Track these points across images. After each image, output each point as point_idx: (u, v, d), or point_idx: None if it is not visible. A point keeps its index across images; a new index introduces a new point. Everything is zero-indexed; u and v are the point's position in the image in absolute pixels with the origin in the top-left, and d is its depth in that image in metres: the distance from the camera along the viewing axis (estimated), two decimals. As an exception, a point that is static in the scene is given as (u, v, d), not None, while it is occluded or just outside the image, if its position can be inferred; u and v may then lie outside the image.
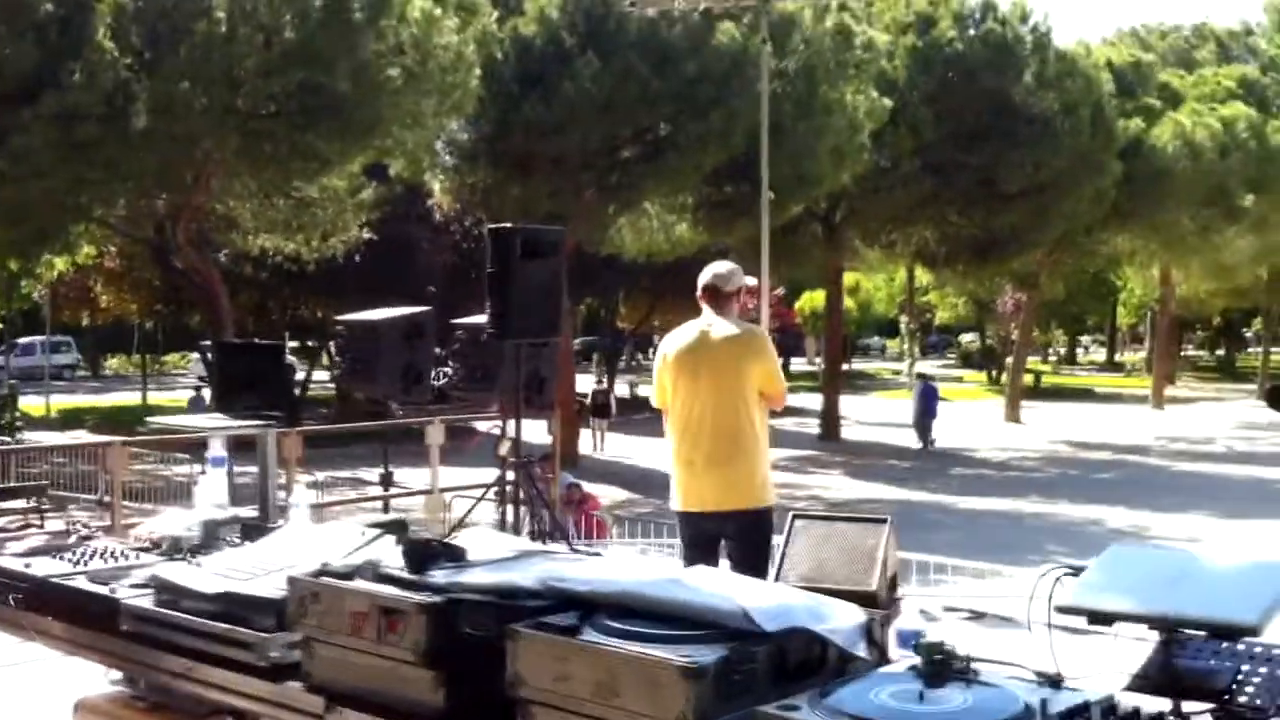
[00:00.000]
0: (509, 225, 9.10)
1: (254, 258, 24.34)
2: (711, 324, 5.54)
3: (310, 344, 35.52)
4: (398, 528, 3.70)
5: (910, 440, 30.01)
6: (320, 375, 36.35)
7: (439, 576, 2.89)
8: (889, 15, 28.73)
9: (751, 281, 5.97)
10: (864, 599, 3.49)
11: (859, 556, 5.97)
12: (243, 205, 20.44)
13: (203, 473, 4.53)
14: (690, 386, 5.48)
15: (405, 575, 2.92)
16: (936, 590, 8.21)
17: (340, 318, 7.92)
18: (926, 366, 42.11)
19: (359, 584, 2.92)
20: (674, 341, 5.66)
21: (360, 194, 21.63)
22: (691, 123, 21.40)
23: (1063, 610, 2.50)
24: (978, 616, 3.38)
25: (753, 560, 5.26)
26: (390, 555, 3.13)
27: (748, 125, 20.23)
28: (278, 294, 30.47)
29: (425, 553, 3.02)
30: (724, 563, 5.52)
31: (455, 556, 3.07)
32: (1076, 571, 2.59)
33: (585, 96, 20.31)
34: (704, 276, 5.68)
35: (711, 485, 5.43)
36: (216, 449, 4.44)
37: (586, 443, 26.32)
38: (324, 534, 3.60)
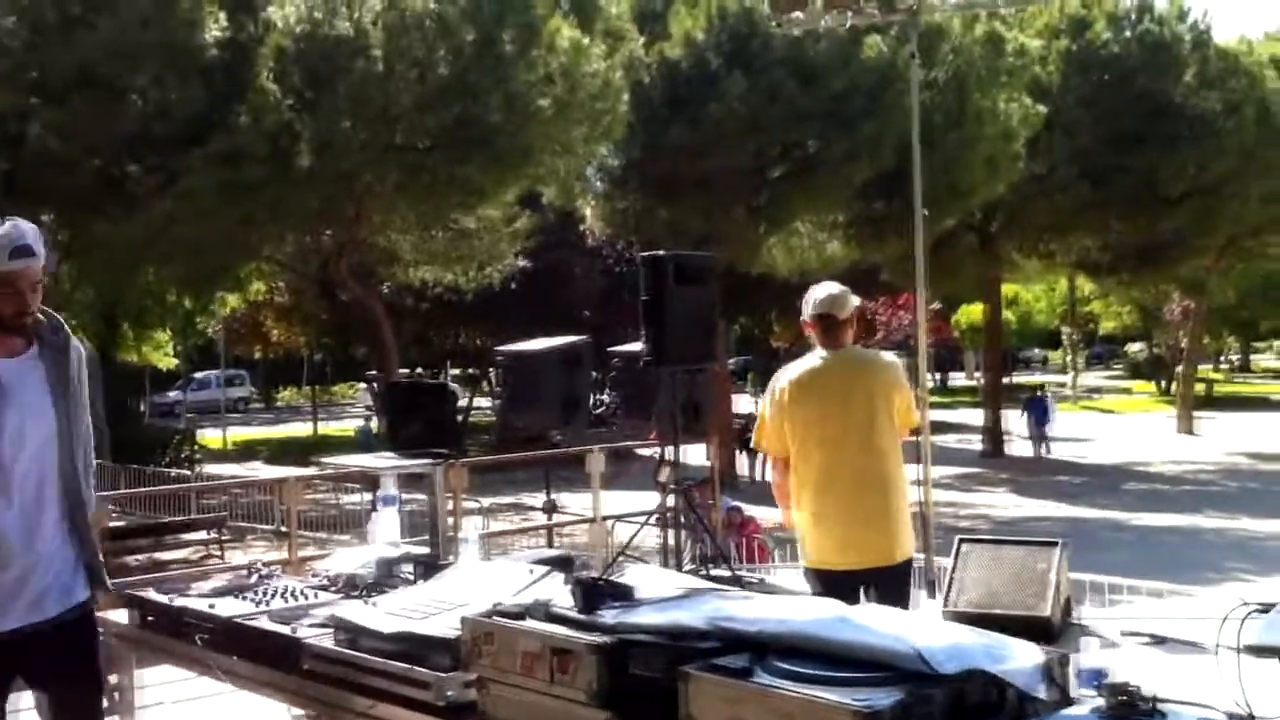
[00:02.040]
0: (661, 252, 9.12)
1: (415, 289, 24.96)
2: (836, 353, 4.96)
3: (471, 372, 36.22)
4: (564, 565, 3.75)
5: (1076, 454, 29.27)
6: (481, 402, 37.00)
7: (608, 616, 2.92)
8: (1041, 20, 28.11)
9: (857, 301, 5.30)
10: (1036, 625, 3.40)
11: (1030, 580, 5.77)
12: (403, 238, 20.99)
13: (374, 509, 4.65)
14: (824, 428, 4.88)
15: (575, 615, 2.95)
16: (1113, 612, 7.93)
17: (501, 348, 8.03)
18: (1091, 378, 40.98)
19: (531, 624, 2.96)
20: (794, 376, 5.01)
21: (515, 223, 22.03)
22: (840, 138, 21.28)
23: (1253, 650, 2.40)
24: (1159, 641, 3.26)
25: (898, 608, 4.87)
26: (559, 593, 3.17)
27: (897, 139, 20.01)
28: (438, 323, 31.18)
29: (594, 592, 3.05)
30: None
31: (623, 595, 3.09)
32: (1268, 608, 2.49)
33: (732, 116, 20.35)
34: (814, 304, 5.03)
35: (866, 542, 4.86)
36: (388, 487, 4.54)
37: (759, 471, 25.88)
38: (493, 572, 3.66)
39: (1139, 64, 27.10)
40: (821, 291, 5.08)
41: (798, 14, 13.09)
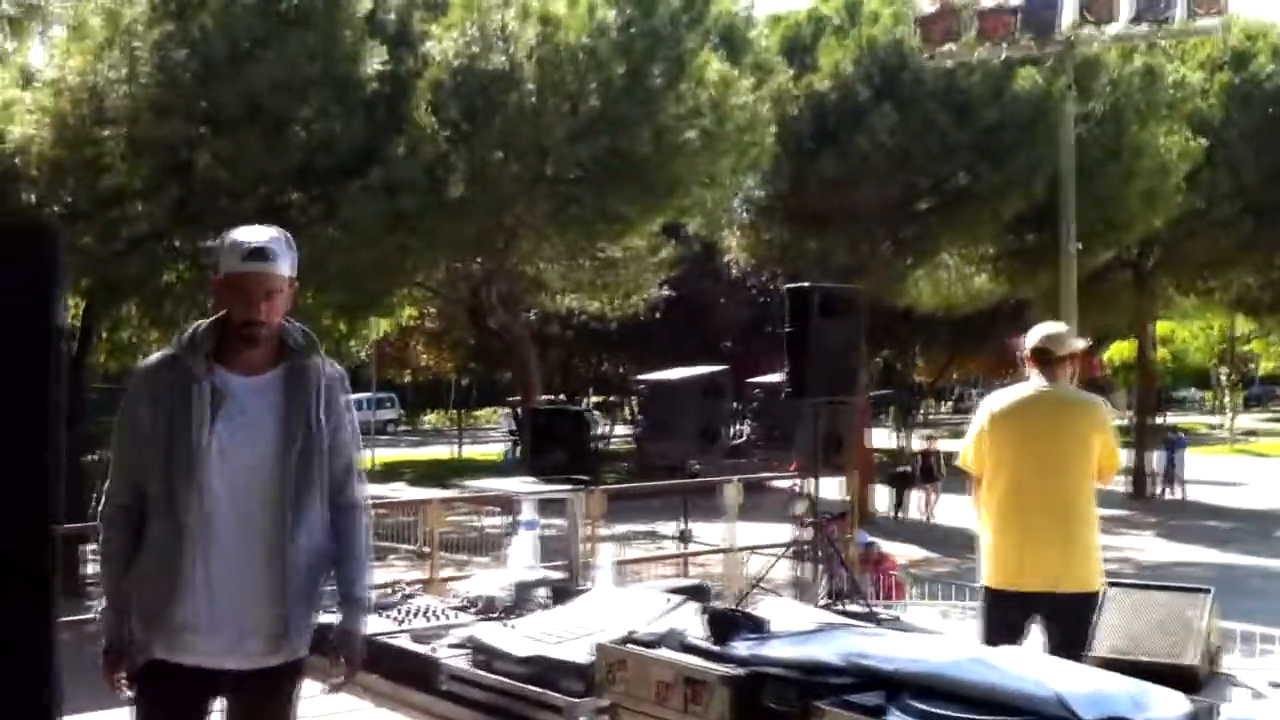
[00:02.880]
0: (806, 284, 9.14)
1: (560, 317, 25.27)
2: (1045, 388, 5.16)
3: (612, 399, 36.50)
4: (699, 594, 3.77)
5: (1228, 499, 28.21)
6: (620, 430, 37.22)
7: (741, 648, 2.93)
8: (1202, 52, 27.31)
9: (1082, 344, 5.53)
10: (1182, 674, 3.31)
11: (1176, 628, 5.60)
12: (550, 266, 21.27)
13: (513, 533, 4.73)
14: (1019, 453, 5.10)
15: (708, 646, 2.97)
16: (1262, 663, 7.64)
17: (641, 377, 8.15)
18: (1247, 420, 39.49)
19: (664, 653, 2.98)
20: (1001, 402, 5.28)
21: (660, 253, 22.15)
22: (990, 172, 20.94)
23: None
24: (1310, 694, 3.14)
25: (1075, 647, 4.84)
26: (692, 623, 3.19)
27: (1049, 172, 19.61)
28: (582, 351, 31.52)
29: (728, 623, 3.06)
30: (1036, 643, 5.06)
31: (757, 627, 3.10)
32: None
33: (881, 149, 20.20)
34: (1033, 339, 5.27)
35: (1040, 563, 4.99)
36: (528, 513, 4.63)
37: (913, 507, 25.37)
38: (628, 599, 3.69)
39: (1304, 97, 26.13)
40: (1044, 329, 5.33)
41: (950, 46, 12.96)
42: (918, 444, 40.05)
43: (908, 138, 20.32)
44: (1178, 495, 29.24)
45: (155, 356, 3.31)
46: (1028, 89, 20.88)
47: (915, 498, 25.39)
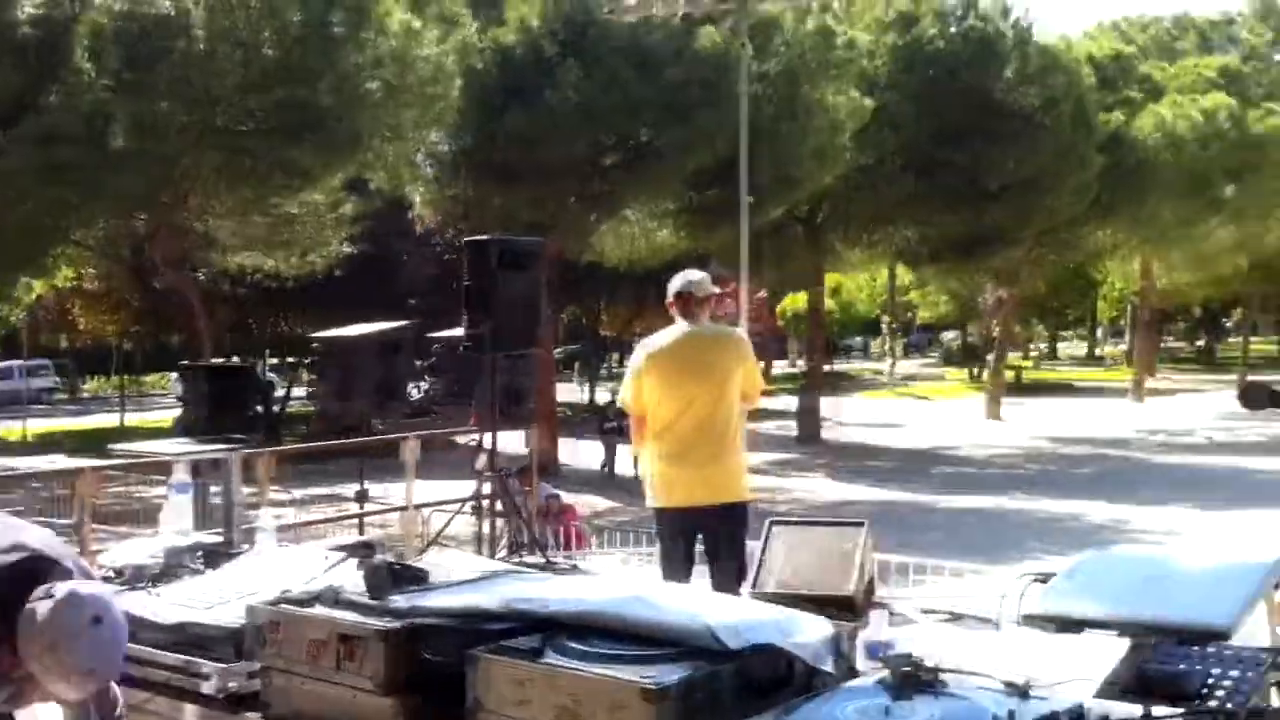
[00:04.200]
0: (486, 237, 9.05)
1: (233, 275, 24.23)
2: (691, 329, 5.67)
3: (291, 360, 35.39)
4: (363, 550, 3.64)
5: (890, 439, 30.05)
6: (301, 392, 36.16)
7: (400, 601, 2.84)
8: (870, 14, 28.73)
9: (715, 289, 6.07)
10: (841, 603, 3.45)
11: (835, 561, 5.91)
12: (221, 223, 20.34)
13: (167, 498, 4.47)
14: (674, 389, 5.60)
15: (365, 600, 2.87)
16: (916, 592, 8.15)
17: (316, 334, 7.83)
18: (908, 365, 42.04)
19: (317, 611, 2.86)
20: (654, 346, 5.76)
21: (341, 209, 21.54)
22: (674, 128, 21.32)
23: (1031, 619, 2.45)
24: (955, 618, 3.33)
25: (732, 550, 5.47)
26: (352, 580, 3.07)
27: (730, 129, 20.10)
28: (258, 311, 30.33)
29: (386, 577, 2.96)
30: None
31: (418, 579, 3.01)
32: (1046, 578, 2.55)
33: (567, 105, 20.25)
34: (676, 284, 5.77)
35: (698, 482, 5.55)
36: (180, 475, 4.37)
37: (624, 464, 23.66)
38: (286, 559, 3.54)
39: (964, 59, 27.82)
40: (686, 275, 5.83)
41: (631, 1, 13.08)
42: (603, 396, 40.84)
43: (594, 93, 20.45)
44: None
45: None
46: (709, 47, 21.37)
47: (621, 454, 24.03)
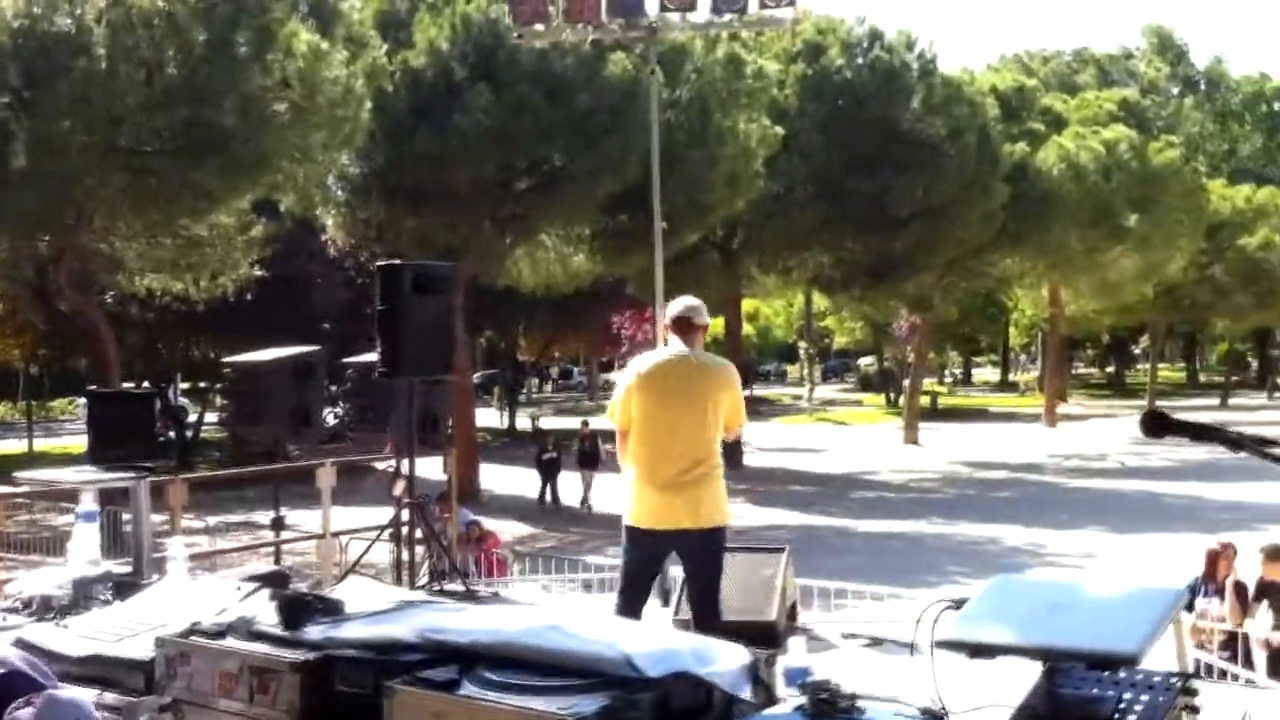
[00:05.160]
0: (398, 261, 8.99)
1: (141, 298, 23.76)
2: (685, 352, 5.73)
3: (203, 386, 34.77)
4: (277, 581, 3.59)
5: (809, 465, 30.25)
6: (214, 418, 35.56)
7: (314, 632, 2.80)
8: (779, 44, 29.07)
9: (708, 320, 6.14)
10: (763, 629, 3.48)
11: (757, 587, 5.96)
12: (128, 245, 19.95)
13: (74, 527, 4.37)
14: (663, 410, 5.60)
15: (278, 632, 2.82)
16: (838, 616, 8.22)
17: (227, 359, 7.71)
18: (826, 391, 42.44)
19: (229, 643, 2.81)
20: (647, 364, 5.77)
21: (250, 231, 21.24)
22: (585, 153, 21.39)
23: (944, 645, 2.47)
24: (876, 643, 3.37)
25: (713, 573, 5.44)
26: (265, 611, 3.02)
27: (642, 155, 20.15)
28: (168, 335, 29.77)
29: (300, 607, 2.92)
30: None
31: (332, 610, 2.97)
32: (960, 604, 2.57)
33: (477, 128, 20.22)
34: (676, 309, 5.86)
35: (679, 505, 5.51)
36: (87, 503, 4.28)
37: (570, 493, 23.52)
38: (197, 590, 3.47)
39: (870, 90, 28.30)
40: (686, 301, 5.91)
41: (539, 26, 13.07)
42: (523, 422, 40.69)
43: (504, 117, 20.44)
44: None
45: None
46: (618, 74, 21.49)
47: (570, 480, 23.77)
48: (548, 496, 23.90)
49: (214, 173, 16.59)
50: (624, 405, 5.72)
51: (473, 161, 20.68)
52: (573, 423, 28.37)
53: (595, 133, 21.18)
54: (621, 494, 5.75)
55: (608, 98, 21.31)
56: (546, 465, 24.00)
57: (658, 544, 5.59)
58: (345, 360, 8.88)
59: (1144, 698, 2.30)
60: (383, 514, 9.48)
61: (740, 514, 22.78)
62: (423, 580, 7.97)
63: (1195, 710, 2.32)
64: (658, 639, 2.63)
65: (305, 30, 17.08)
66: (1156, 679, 2.35)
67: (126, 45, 15.63)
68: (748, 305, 43.31)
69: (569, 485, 23.72)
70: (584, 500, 23.23)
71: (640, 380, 5.68)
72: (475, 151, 20.46)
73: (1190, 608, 9.14)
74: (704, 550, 5.51)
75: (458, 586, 7.70)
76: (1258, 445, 2.16)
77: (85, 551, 4.09)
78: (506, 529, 18.09)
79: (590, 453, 23.51)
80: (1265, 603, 8.95)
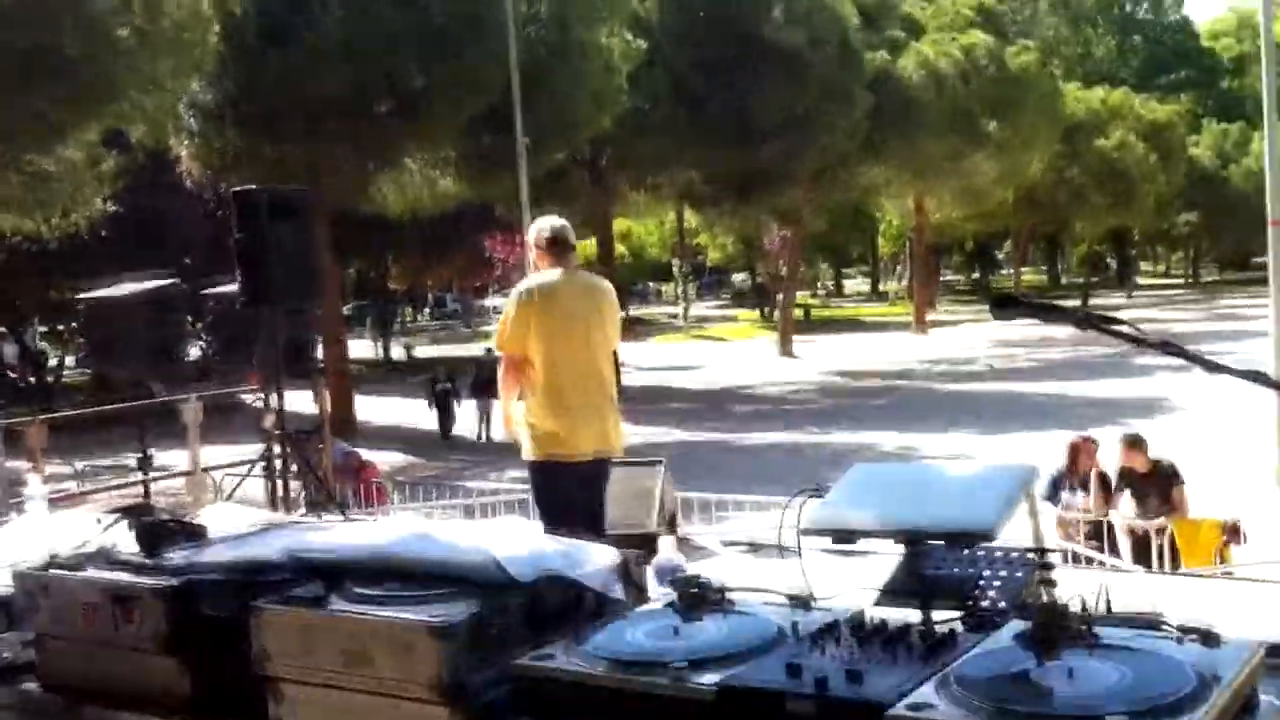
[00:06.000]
0: (252, 187, 8.77)
1: (-12, 239, 22.85)
2: (572, 274, 5.54)
3: (61, 328, 33.69)
4: (138, 511, 3.51)
5: (687, 381, 30.51)
6: (74, 361, 34.56)
7: (177, 558, 2.74)
8: (638, -43, 28.81)
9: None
10: (645, 540, 3.51)
11: (636, 499, 6.02)
12: (-33, 183, 19.11)
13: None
14: (565, 335, 5.40)
15: (139, 560, 2.76)
16: (719, 527, 8.37)
17: (81, 295, 7.45)
18: (701, 308, 42.72)
19: (90, 573, 2.74)
20: (540, 288, 5.45)
21: (101, 165, 20.47)
22: (440, 66, 20.92)
23: (808, 532, 2.52)
24: (754, 548, 3.42)
25: (601, 502, 5.39)
26: (126, 541, 2.95)
27: (501, 69, 19.82)
28: (22, 276, 28.70)
29: (161, 533, 2.86)
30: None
31: (194, 535, 2.92)
32: (821, 492, 2.63)
33: (327, 40, 19.73)
34: (547, 230, 5.58)
35: (591, 433, 5.39)
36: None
37: (466, 427, 22.91)
38: (56, 525, 3.39)
39: (732, 0, 28.26)
40: (549, 220, 5.68)
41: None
42: (398, 352, 40.28)
43: (354, 30, 19.97)
44: None
45: None
46: (471, -17, 21.04)
47: (466, 414, 23.30)
48: (452, 430, 23.09)
49: (56, 102, 15.93)
50: (518, 333, 5.42)
51: (325, 78, 20.13)
52: (449, 351, 28.19)
53: (451, 45, 20.73)
54: (520, 425, 5.46)
55: (462, 9, 20.85)
56: (441, 396, 23.42)
57: (570, 474, 5.33)
58: (206, 292, 8.66)
59: (1002, 573, 2.38)
60: (254, 449, 9.34)
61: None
62: (300, 511, 7.90)
63: (1052, 584, 2.39)
64: (526, 543, 2.63)
65: (147, -48, 16.42)
66: (1014, 555, 2.43)
67: (-43, -31, 14.88)
68: (620, 225, 43.24)
69: (465, 416, 23.30)
70: (482, 431, 22.56)
71: (542, 303, 5.40)
72: (326, 67, 19.95)
73: (1055, 501, 9.48)
74: (602, 475, 5.44)
75: (335, 517, 7.64)
76: (1101, 322, 2.21)
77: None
78: (386, 460, 17.95)
79: (491, 380, 22.71)
80: (1127, 491, 9.31)
